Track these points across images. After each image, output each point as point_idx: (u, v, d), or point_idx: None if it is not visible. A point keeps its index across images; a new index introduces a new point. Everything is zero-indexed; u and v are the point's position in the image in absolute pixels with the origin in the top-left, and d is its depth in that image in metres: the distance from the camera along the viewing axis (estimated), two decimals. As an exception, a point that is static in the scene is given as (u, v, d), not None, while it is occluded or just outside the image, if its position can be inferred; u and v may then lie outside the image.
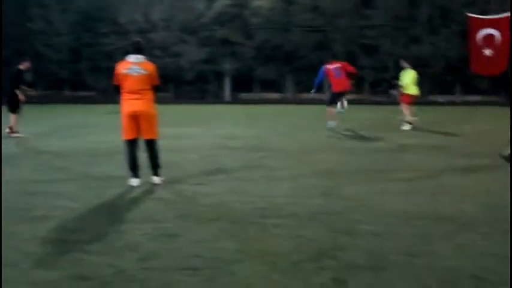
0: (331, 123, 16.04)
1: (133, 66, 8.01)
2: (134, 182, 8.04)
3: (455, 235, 5.60)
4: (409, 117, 16.49)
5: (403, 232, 5.70)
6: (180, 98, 32.53)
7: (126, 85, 8.05)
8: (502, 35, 29.12)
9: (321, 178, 8.52)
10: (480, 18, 28.68)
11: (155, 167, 8.22)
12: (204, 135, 14.72)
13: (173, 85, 33.28)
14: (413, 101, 16.87)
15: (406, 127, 16.20)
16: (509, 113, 22.74)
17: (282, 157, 10.73)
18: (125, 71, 8.05)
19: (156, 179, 8.19)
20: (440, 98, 30.16)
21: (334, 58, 17.30)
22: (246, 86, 34.11)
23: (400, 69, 17.24)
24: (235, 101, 32.75)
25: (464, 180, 8.39)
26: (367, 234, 5.65)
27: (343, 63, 16.73)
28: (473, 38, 29.09)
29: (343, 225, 5.96)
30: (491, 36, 29.13)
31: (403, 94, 16.79)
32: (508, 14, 28.32)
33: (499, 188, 7.76)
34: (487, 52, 28.82)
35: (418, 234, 5.62)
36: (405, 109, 16.64)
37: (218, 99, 33.32)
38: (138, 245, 5.37)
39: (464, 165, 9.68)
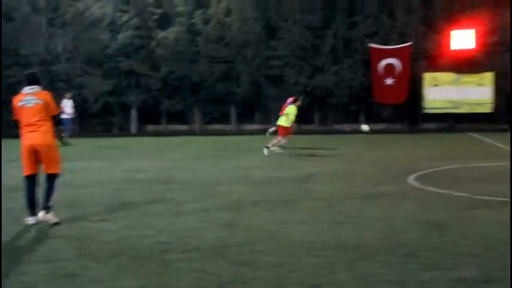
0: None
1: (27, 98, 7.79)
2: (31, 220, 7.76)
3: (357, 264, 5.72)
4: (274, 144, 17.91)
5: (306, 262, 5.78)
6: (85, 130, 31.88)
7: (23, 118, 7.81)
8: (403, 65, 30.51)
9: (226, 210, 8.53)
10: (381, 48, 29.96)
11: (46, 203, 7.80)
12: (110, 168, 14.47)
13: (77, 117, 32.58)
14: (287, 133, 18.30)
15: (266, 152, 17.34)
16: (411, 140, 23.64)
17: (188, 190, 10.68)
18: (20, 104, 7.82)
19: (43, 216, 7.72)
20: (346, 127, 31.00)
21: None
22: (153, 117, 33.86)
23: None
24: (141, 133, 32.43)
25: (366, 208, 8.61)
26: (271, 265, 5.68)
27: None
28: (375, 68, 30.34)
29: (247, 257, 5.98)
30: (391, 65, 30.40)
31: (280, 126, 18.32)
32: (408, 44, 29.65)
33: (399, 215, 8.02)
34: (389, 81, 30.02)
35: (321, 264, 5.70)
36: (277, 138, 18.16)
37: (124, 131, 32.88)
38: (36, 287, 5.18)
39: (367, 193, 9.95)
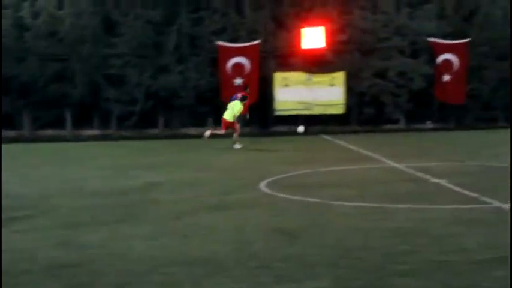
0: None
1: None
2: None
3: (205, 280, 5.69)
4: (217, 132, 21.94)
5: (150, 281, 5.66)
6: None
7: None
8: (251, 64, 31.05)
9: (61, 226, 8.21)
10: (229, 46, 30.35)
11: None
12: None
13: None
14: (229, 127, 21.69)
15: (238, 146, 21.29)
16: (262, 144, 24.11)
17: (16, 204, 10.17)
18: None
19: None
20: (193, 131, 31.03)
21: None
22: (-26, 123, 32.04)
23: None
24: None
25: (216, 218, 8.63)
26: (110, 286, 5.52)
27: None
28: (223, 67, 30.67)
29: (84, 278, 5.76)
30: (240, 65, 30.84)
31: (224, 119, 21.60)
32: (257, 42, 30.25)
33: (251, 224, 8.11)
34: (238, 81, 30.44)
35: (167, 283, 5.61)
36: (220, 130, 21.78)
37: None
38: None
39: (216, 202, 9.98)
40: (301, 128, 23.27)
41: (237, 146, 21.28)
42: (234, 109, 21.54)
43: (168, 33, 30.73)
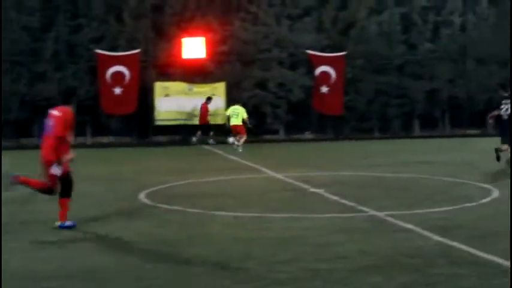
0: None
1: None
2: None
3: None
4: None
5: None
6: None
7: None
8: (131, 73, 30.64)
9: None
10: (108, 54, 29.84)
11: None
12: None
13: None
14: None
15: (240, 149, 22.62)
16: (142, 154, 23.84)
17: None
18: None
19: None
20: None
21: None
22: None
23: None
24: None
25: (94, 230, 8.47)
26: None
27: None
28: (103, 76, 30.08)
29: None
30: (120, 73, 30.36)
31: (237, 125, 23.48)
32: (137, 51, 29.91)
33: (130, 235, 8.01)
34: (117, 91, 29.98)
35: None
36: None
37: None
38: None
39: (95, 214, 9.80)
40: (231, 139, 24.12)
41: (240, 149, 22.84)
42: (240, 114, 23.67)
43: (45, 40, 29.80)
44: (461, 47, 34.05)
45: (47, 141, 8.66)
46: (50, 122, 8.70)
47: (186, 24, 30.29)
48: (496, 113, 16.65)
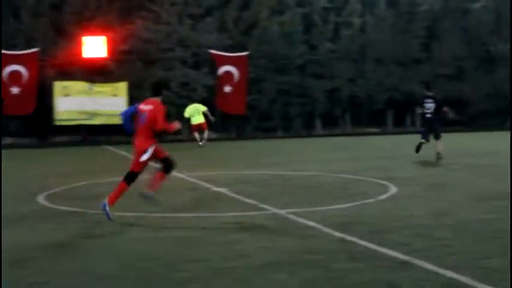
0: None
1: None
2: None
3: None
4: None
5: None
6: None
7: None
8: (29, 72, 29.79)
9: None
10: (6, 53, 28.91)
11: None
12: None
13: None
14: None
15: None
16: (41, 155, 23.24)
17: None
18: None
19: None
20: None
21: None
22: None
23: None
24: None
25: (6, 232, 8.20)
26: None
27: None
28: (0, 75, 29.08)
29: None
30: (17, 73, 29.52)
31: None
32: (35, 50, 29.12)
33: (29, 238, 7.79)
34: (15, 90, 29.12)
35: None
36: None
37: None
38: None
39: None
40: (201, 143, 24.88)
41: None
42: (201, 110, 24.99)
43: None
44: (361, 47, 34.99)
45: (142, 132, 9.36)
46: (143, 115, 9.26)
47: (86, 23, 29.73)
48: (419, 111, 17.56)
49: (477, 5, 36.68)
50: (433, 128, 17.49)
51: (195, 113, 25.04)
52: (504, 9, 36.69)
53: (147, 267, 6.32)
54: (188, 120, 25.35)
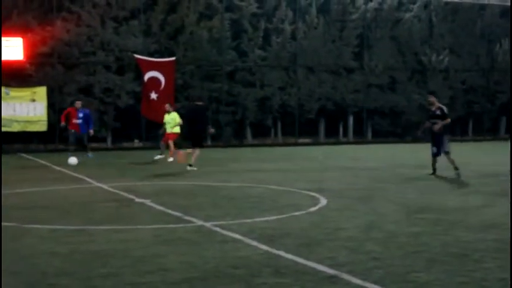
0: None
1: None
2: None
3: None
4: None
5: None
6: None
7: None
8: None
9: None
10: None
11: None
12: None
13: None
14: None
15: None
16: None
17: None
18: None
19: None
20: None
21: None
22: None
23: None
24: None
25: None
26: None
27: None
28: None
29: None
30: None
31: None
32: None
33: None
34: None
35: None
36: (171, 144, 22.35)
37: None
38: None
39: None
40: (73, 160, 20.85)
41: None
42: (176, 120, 22.70)
43: None
44: (292, 54, 35.26)
45: None
46: None
47: (1, 24, 29.05)
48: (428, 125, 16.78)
49: (408, 15, 37.48)
50: (441, 141, 16.46)
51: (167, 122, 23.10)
52: (436, 19, 37.73)
53: (58, 283, 6.15)
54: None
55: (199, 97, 21.55)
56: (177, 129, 22.97)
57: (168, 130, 22.97)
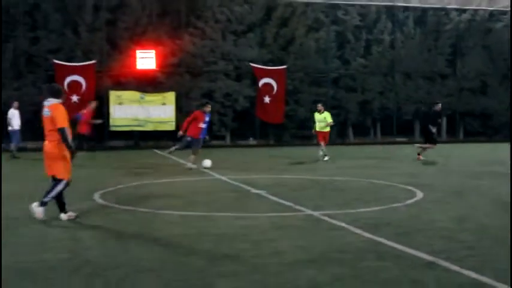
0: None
1: (45, 109, 8.79)
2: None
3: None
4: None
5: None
6: None
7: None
8: (87, 82, 30.11)
9: None
10: (65, 64, 29.37)
11: (43, 198, 8.87)
12: None
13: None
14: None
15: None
16: (98, 157, 23.45)
17: None
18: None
19: (34, 207, 8.90)
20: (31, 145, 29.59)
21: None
22: None
23: None
24: None
25: (49, 228, 8.31)
26: None
27: None
28: (61, 85, 29.43)
29: None
30: (76, 82, 29.84)
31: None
32: (92, 62, 29.50)
33: (85, 233, 7.88)
34: (74, 99, 29.41)
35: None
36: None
37: None
38: None
39: (50, 213, 9.58)
40: (207, 162, 17.90)
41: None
42: (327, 120, 20.96)
43: (4, 51, 29.15)
44: (390, 62, 34.71)
45: None
46: None
47: (138, 38, 30.09)
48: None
49: (499, 25, 36.11)
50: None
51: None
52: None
53: (186, 261, 6.35)
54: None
55: (436, 102, 20.74)
56: (327, 129, 21.16)
57: (318, 129, 21.08)
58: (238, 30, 32.15)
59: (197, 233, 7.89)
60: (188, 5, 31.63)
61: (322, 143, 20.85)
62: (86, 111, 22.10)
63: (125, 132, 30.75)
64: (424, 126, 20.68)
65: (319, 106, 21.51)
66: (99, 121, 23.85)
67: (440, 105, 20.53)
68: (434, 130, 20.17)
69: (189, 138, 17.99)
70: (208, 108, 18.23)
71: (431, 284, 5.49)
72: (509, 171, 15.11)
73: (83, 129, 21.60)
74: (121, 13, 30.55)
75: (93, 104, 22.83)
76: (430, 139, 20.04)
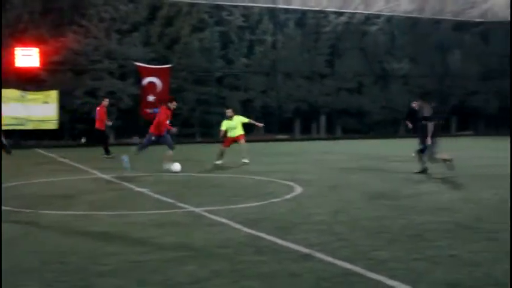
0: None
1: None
2: None
3: None
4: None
5: None
6: None
7: None
8: None
9: None
10: None
11: None
12: None
13: None
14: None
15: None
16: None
17: None
18: None
19: None
20: None
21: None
22: None
23: None
24: None
25: None
26: None
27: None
28: None
29: None
30: None
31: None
32: None
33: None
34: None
35: None
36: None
37: None
38: None
39: None
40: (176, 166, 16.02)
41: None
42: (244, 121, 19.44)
43: None
44: (272, 62, 35.28)
45: None
46: None
47: (19, 35, 28.85)
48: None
49: (374, 28, 37.57)
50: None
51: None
52: (397, 32, 37.87)
53: (67, 261, 6.15)
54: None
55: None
56: (241, 131, 19.14)
57: (232, 135, 18.94)
58: (123, 29, 31.54)
59: (78, 232, 7.65)
60: (72, 3, 30.69)
61: (226, 148, 18.73)
62: None
63: (5, 131, 29.34)
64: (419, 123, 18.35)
65: (229, 112, 19.29)
66: None
67: (415, 103, 19.98)
68: (410, 126, 20.16)
69: (154, 138, 16.85)
70: (174, 105, 17.49)
71: (307, 276, 5.60)
72: (375, 166, 15.75)
73: None
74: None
75: None
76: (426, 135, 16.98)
